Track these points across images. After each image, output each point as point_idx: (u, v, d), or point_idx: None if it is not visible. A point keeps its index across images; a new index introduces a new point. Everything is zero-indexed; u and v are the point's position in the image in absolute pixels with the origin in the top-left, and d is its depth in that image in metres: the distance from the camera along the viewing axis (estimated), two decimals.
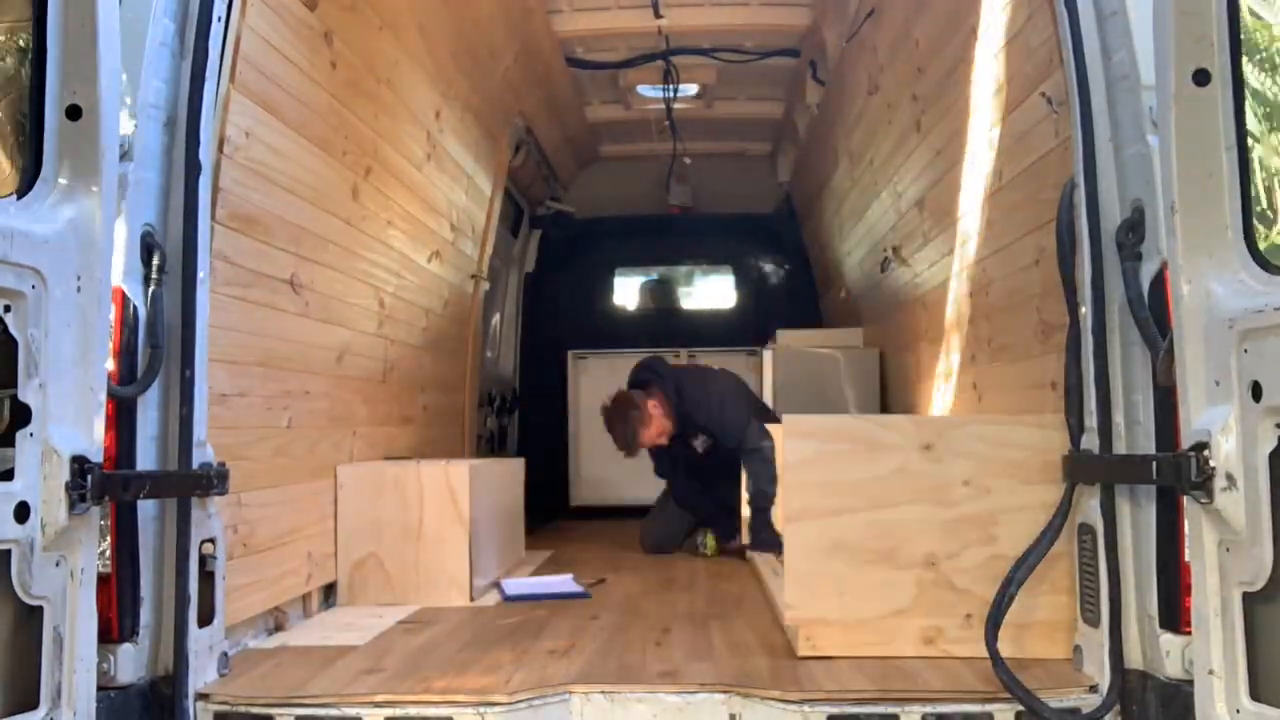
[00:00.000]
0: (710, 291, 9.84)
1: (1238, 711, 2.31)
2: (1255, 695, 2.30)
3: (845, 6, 5.93)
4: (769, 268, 9.59)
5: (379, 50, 4.83)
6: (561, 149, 8.54)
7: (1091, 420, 2.98)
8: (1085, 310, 2.99)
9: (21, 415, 2.32)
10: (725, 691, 3.03)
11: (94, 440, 2.49)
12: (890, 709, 2.93)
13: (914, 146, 5.46)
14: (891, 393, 6.98)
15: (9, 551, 2.29)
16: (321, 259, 4.39)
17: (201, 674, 3.05)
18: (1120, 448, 2.92)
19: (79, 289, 2.43)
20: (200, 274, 3.05)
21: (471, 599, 4.59)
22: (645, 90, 7.72)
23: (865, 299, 7.48)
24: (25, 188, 2.43)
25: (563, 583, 4.93)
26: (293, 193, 4.04)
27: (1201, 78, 2.35)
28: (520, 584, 4.91)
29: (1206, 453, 2.35)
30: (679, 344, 8.27)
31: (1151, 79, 2.58)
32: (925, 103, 5.18)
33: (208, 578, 3.11)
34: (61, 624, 2.40)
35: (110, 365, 2.77)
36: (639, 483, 6.84)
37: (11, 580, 2.30)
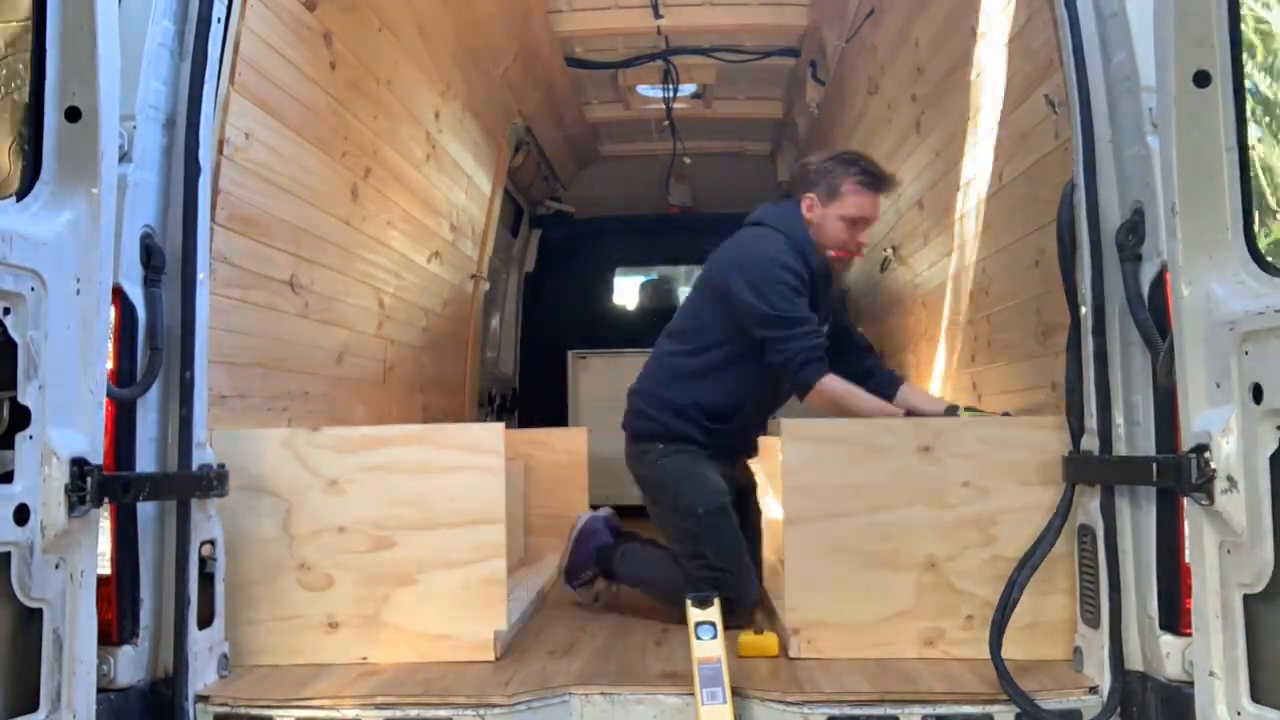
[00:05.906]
0: None
1: (1238, 714, 2.31)
2: (1256, 697, 2.30)
3: (845, 6, 5.92)
4: None
5: (378, 51, 4.83)
6: (561, 149, 8.53)
7: (1091, 421, 2.98)
8: (1085, 311, 2.98)
9: (21, 417, 2.31)
10: None
11: (94, 442, 2.48)
12: (890, 710, 2.93)
13: (914, 147, 5.45)
14: None
15: (9, 554, 2.28)
16: (321, 260, 4.39)
17: (201, 676, 3.05)
18: (1120, 449, 2.92)
19: (78, 291, 2.42)
20: (200, 275, 3.05)
21: None
22: (645, 90, 7.72)
23: (865, 299, 7.47)
24: (24, 190, 2.42)
25: None
26: (292, 194, 4.04)
27: (1202, 79, 2.34)
28: None
29: (1207, 454, 2.34)
30: None
31: (1152, 80, 2.57)
32: (925, 103, 5.18)
33: (207, 579, 3.11)
34: (61, 626, 2.39)
35: (110, 367, 2.77)
36: None
37: (11, 583, 2.29)
